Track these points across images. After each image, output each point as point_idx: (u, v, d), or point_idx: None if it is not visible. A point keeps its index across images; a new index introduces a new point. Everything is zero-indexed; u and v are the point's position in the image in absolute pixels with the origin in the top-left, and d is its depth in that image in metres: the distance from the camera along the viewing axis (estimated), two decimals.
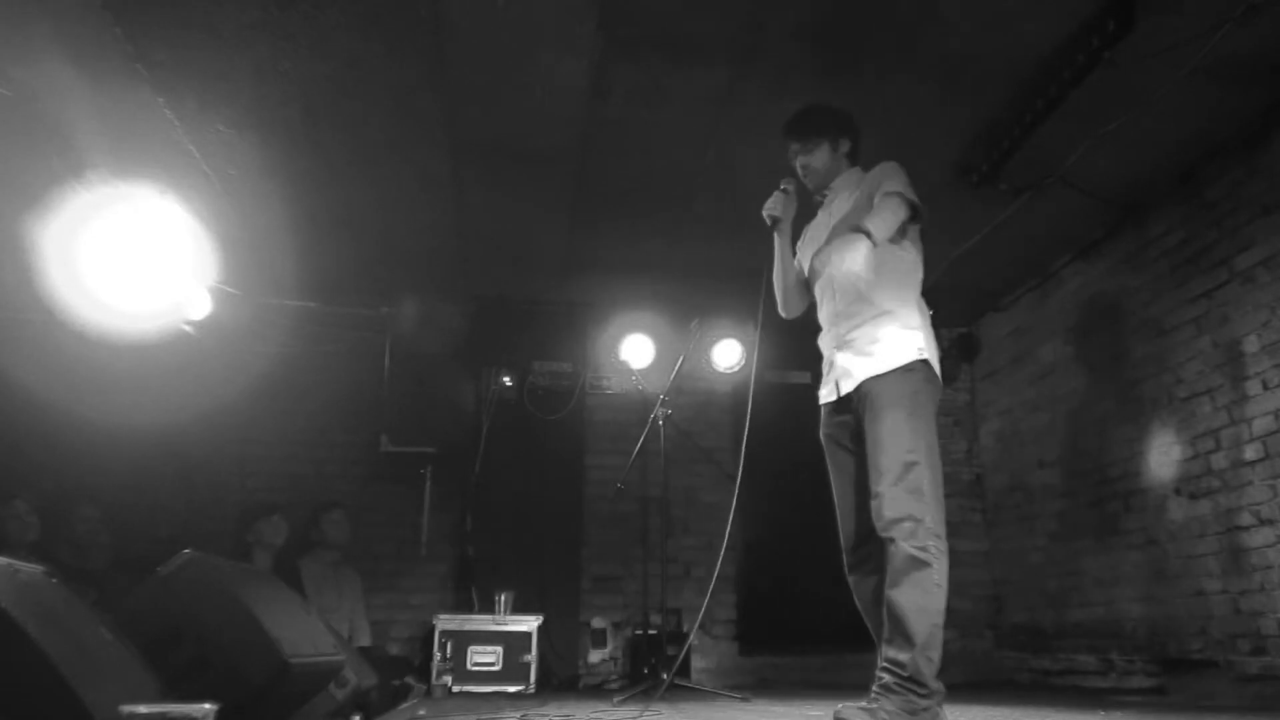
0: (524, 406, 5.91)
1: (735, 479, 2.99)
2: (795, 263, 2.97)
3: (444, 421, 5.54)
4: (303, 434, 5.71)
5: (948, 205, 4.66)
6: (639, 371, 5.79)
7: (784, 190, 2.90)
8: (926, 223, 2.75)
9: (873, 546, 2.61)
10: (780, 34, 3.44)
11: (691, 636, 5.34)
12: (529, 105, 3.87)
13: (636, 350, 5.75)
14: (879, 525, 2.49)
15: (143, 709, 1.68)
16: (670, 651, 4.79)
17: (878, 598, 2.60)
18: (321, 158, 4.22)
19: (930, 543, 2.43)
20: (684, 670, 5.09)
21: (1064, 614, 5.29)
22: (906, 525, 2.44)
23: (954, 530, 6.05)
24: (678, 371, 4.65)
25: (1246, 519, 3.98)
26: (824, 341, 2.86)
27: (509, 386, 5.87)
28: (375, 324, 5.67)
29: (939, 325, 5.97)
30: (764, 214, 2.89)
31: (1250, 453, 3.98)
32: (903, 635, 2.38)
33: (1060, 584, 5.34)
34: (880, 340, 2.64)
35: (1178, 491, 4.40)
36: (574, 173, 4.44)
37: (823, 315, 2.87)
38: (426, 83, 3.71)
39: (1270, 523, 3.85)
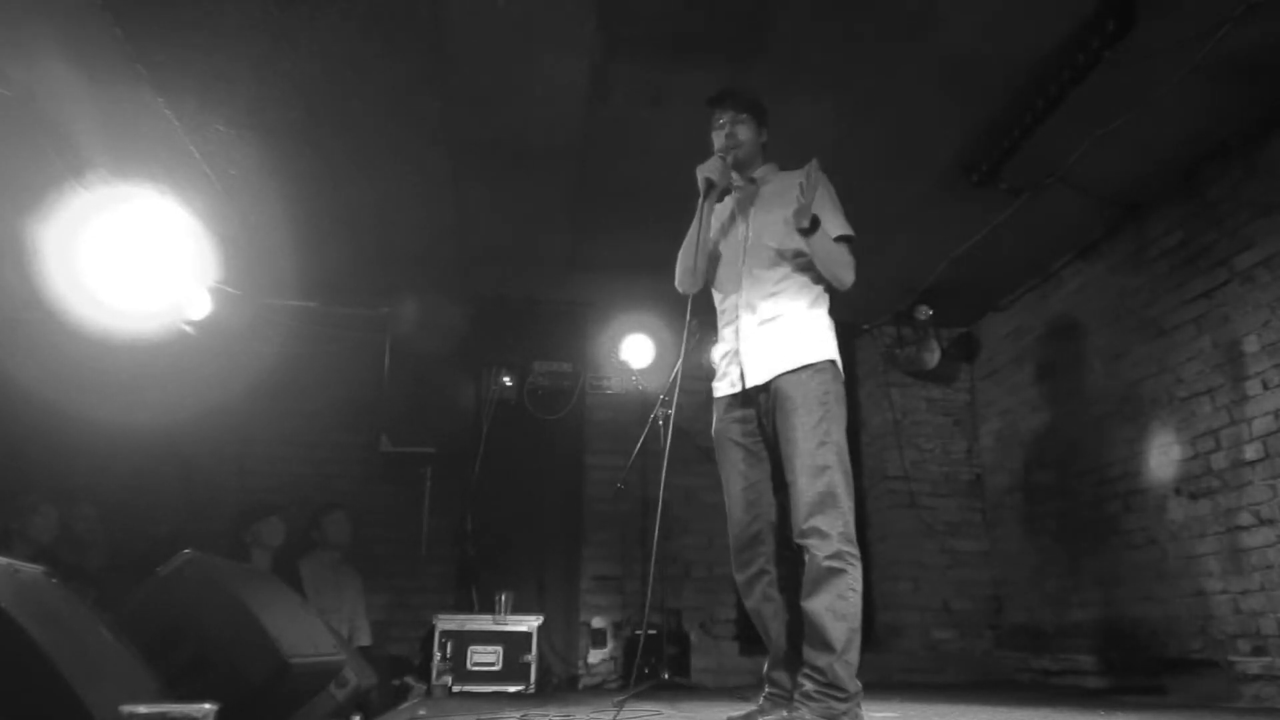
0: (524, 406, 5.91)
1: None
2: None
3: (444, 421, 5.54)
4: (303, 434, 5.70)
5: (948, 205, 4.67)
6: (639, 371, 5.78)
7: (722, 158, 2.78)
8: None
9: (761, 549, 2.63)
10: (780, 33, 3.44)
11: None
12: (529, 105, 3.87)
13: (636, 350, 5.75)
14: (794, 530, 2.50)
15: (143, 709, 1.67)
16: (670, 651, 4.79)
17: (766, 596, 2.64)
18: (321, 158, 4.22)
19: (843, 548, 2.45)
20: (684, 670, 5.09)
21: (1064, 614, 5.28)
22: (817, 537, 2.45)
23: (954, 530, 6.18)
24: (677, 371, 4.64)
25: (1246, 519, 3.98)
26: (728, 332, 2.80)
27: (509, 386, 5.86)
28: (375, 324, 5.67)
29: (939, 325, 6.06)
30: (700, 175, 2.74)
31: (1250, 453, 3.98)
32: (821, 642, 2.41)
33: (1060, 584, 5.34)
34: (794, 336, 2.62)
35: (1178, 491, 4.40)
36: (574, 173, 4.44)
37: (727, 303, 2.82)
38: (426, 83, 3.71)
39: (1270, 523, 3.85)
